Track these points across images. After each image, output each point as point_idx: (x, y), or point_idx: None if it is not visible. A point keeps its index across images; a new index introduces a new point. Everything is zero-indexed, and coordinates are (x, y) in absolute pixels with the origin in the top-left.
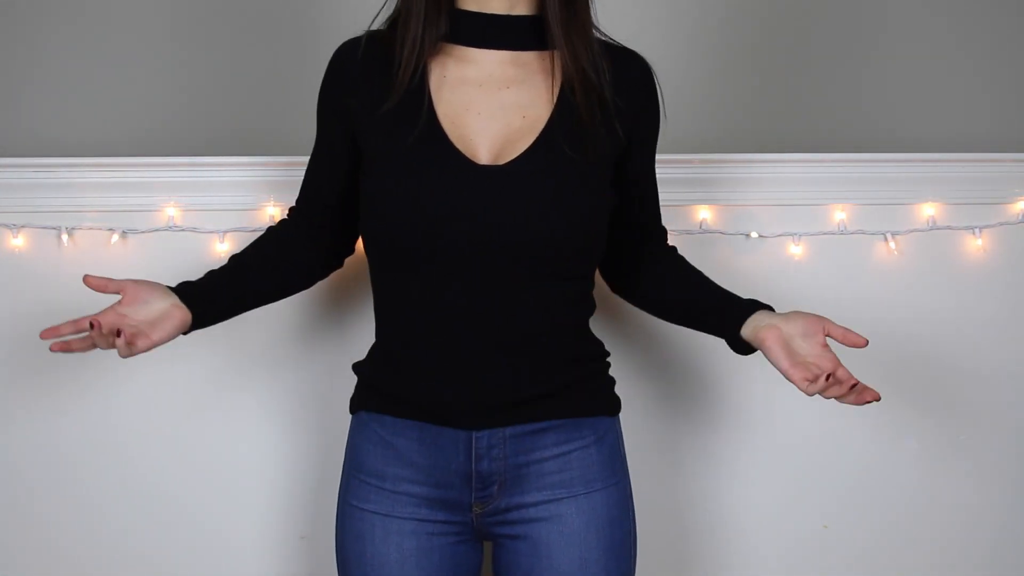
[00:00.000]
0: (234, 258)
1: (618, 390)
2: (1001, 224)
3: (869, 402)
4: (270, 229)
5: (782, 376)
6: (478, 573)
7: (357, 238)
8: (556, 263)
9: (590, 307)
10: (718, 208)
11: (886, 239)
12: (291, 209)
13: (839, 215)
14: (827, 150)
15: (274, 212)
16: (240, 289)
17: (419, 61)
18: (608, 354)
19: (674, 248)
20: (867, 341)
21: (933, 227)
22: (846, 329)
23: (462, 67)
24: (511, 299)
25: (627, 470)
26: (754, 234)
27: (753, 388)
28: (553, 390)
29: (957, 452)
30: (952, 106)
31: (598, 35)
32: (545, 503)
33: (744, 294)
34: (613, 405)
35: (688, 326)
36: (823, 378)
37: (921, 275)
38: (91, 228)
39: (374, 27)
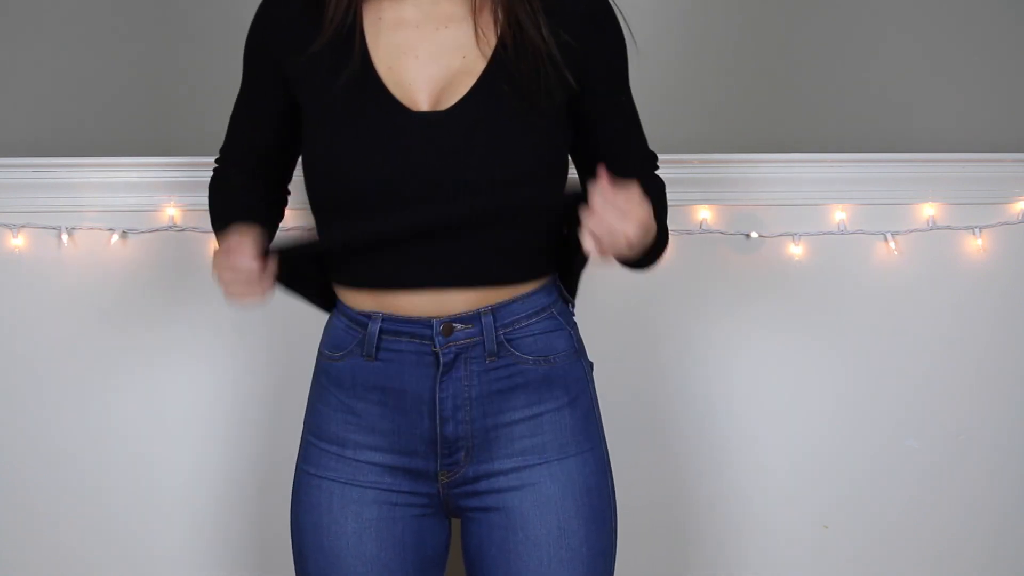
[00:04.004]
0: (240, 207)
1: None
2: (1001, 224)
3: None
4: (217, 186)
5: (781, 377)
6: (444, 553)
7: (291, 176)
8: (500, 216)
9: (552, 260)
10: (718, 208)
11: (886, 239)
12: (217, 167)
13: (839, 215)
14: (827, 150)
15: None
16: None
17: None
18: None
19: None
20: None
21: (933, 227)
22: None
23: (398, 7)
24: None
25: (603, 435)
26: (754, 234)
27: (753, 387)
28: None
29: (957, 452)
30: (952, 106)
31: None
32: (516, 470)
33: (744, 294)
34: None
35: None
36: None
37: (921, 275)
38: (91, 228)
39: None
